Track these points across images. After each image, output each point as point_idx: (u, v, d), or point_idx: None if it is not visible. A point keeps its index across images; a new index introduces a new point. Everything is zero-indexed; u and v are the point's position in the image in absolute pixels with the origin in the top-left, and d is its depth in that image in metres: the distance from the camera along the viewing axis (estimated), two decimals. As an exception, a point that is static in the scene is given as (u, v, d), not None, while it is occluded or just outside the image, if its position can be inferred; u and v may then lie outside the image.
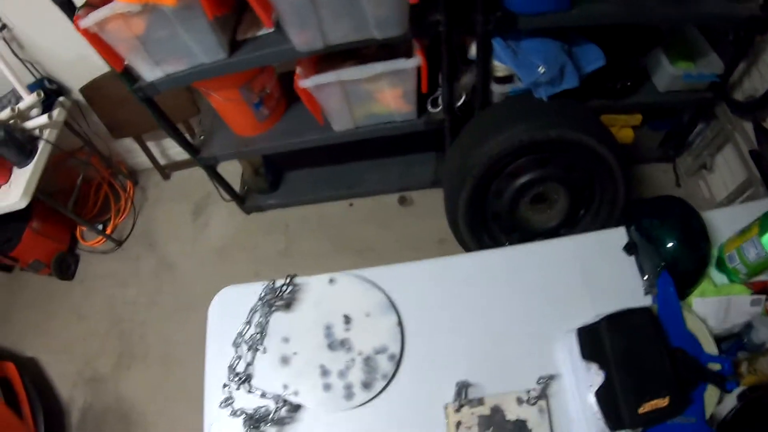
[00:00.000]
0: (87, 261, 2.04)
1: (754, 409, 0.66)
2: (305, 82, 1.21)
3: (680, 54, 1.40)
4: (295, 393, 0.80)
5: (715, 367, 0.66)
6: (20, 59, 1.65)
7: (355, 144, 1.55)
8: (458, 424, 0.73)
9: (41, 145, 1.66)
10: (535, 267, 0.84)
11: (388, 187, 1.83)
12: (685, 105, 1.56)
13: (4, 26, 1.58)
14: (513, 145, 1.23)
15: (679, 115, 1.68)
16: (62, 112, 1.73)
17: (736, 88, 1.45)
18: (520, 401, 0.74)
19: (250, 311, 0.89)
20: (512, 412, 0.73)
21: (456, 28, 1.17)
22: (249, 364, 0.85)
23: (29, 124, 1.66)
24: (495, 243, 1.45)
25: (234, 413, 0.80)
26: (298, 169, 1.94)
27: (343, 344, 0.84)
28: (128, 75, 1.28)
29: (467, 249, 1.44)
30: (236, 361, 0.85)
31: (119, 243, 2.03)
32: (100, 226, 2.02)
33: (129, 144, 2.07)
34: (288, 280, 0.88)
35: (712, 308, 0.73)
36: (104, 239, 2.01)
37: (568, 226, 1.46)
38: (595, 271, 0.82)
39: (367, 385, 0.79)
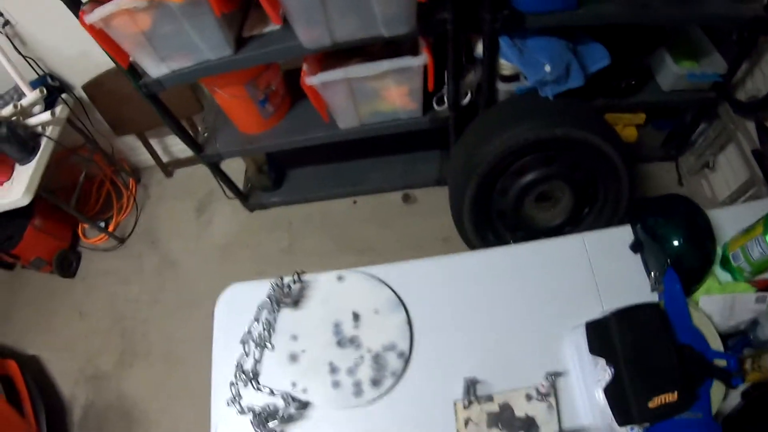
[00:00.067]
0: (89, 258, 2.03)
1: (758, 405, 0.67)
2: (312, 79, 1.21)
3: (684, 53, 1.41)
4: (304, 390, 0.80)
5: (721, 363, 0.67)
6: (23, 55, 1.64)
7: (359, 142, 1.55)
8: (467, 420, 0.74)
9: (44, 142, 1.65)
10: (542, 264, 0.84)
11: (392, 184, 1.83)
12: (688, 104, 1.56)
13: (7, 22, 1.57)
14: (519, 144, 1.24)
15: (682, 115, 1.69)
16: (65, 109, 1.72)
17: (739, 88, 1.46)
18: (529, 397, 0.74)
19: (258, 308, 0.89)
20: (521, 409, 0.74)
21: (463, 26, 1.17)
22: (257, 362, 0.85)
23: (32, 120, 1.65)
24: (499, 241, 1.45)
25: (242, 411, 0.80)
26: (301, 166, 1.94)
27: (352, 341, 0.84)
28: (133, 71, 1.28)
29: (472, 247, 1.44)
30: (244, 359, 0.85)
31: (121, 240, 2.02)
32: (103, 224, 2.01)
33: (131, 141, 2.06)
34: (296, 278, 0.88)
35: (717, 305, 0.74)
36: (106, 237, 2.00)
37: (572, 225, 1.46)
38: (601, 268, 0.82)
39: (376, 382, 0.79)
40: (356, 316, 0.86)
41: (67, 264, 1.97)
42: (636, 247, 0.83)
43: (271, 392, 0.81)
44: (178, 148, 2.11)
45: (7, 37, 1.59)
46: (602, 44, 1.29)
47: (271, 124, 1.55)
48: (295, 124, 1.55)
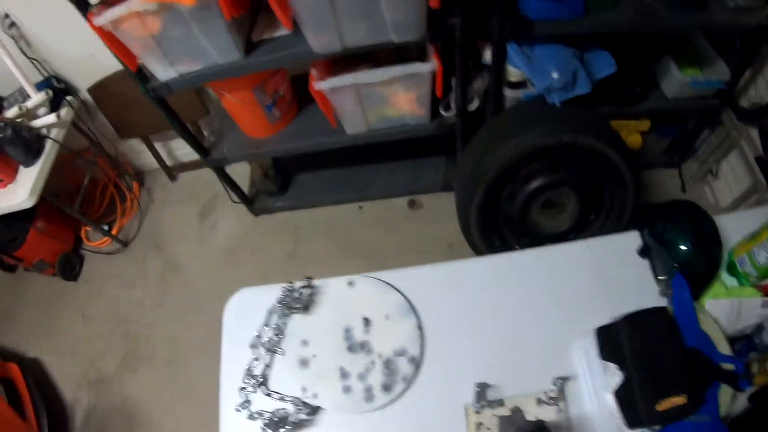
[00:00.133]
0: (92, 262, 2.02)
1: (765, 408, 0.67)
2: (320, 85, 1.21)
3: (688, 61, 1.42)
4: (315, 395, 0.80)
5: (728, 367, 0.68)
6: (28, 57, 1.64)
7: (365, 147, 1.55)
8: (479, 425, 0.74)
9: (48, 144, 1.65)
10: (551, 270, 0.85)
11: (398, 190, 1.83)
12: (692, 111, 1.58)
13: (13, 24, 1.57)
14: (526, 150, 1.24)
15: (686, 122, 1.70)
16: (70, 111, 1.71)
17: (742, 96, 1.48)
18: (539, 402, 0.74)
19: (268, 313, 0.89)
20: (531, 413, 0.74)
21: (471, 33, 1.18)
22: (267, 367, 0.85)
23: (36, 123, 1.64)
24: (506, 247, 1.45)
25: (251, 416, 0.80)
26: (307, 171, 1.94)
27: (363, 347, 0.84)
28: (141, 75, 1.28)
29: (478, 253, 1.45)
30: (253, 364, 0.85)
31: (125, 244, 2.01)
32: (106, 227, 2.00)
33: (136, 145, 2.06)
34: (306, 283, 0.88)
35: (723, 310, 0.75)
36: (110, 240, 1.99)
37: (577, 231, 1.47)
38: (608, 273, 0.83)
39: (387, 388, 0.79)
40: (367, 322, 0.86)
41: (69, 267, 1.96)
42: (644, 252, 0.83)
43: (281, 397, 0.81)
44: (183, 152, 2.11)
45: (13, 38, 1.59)
46: (608, 52, 1.31)
47: (277, 128, 1.55)
48: (301, 129, 1.56)
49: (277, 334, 0.87)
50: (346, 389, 0.80)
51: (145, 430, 1.59)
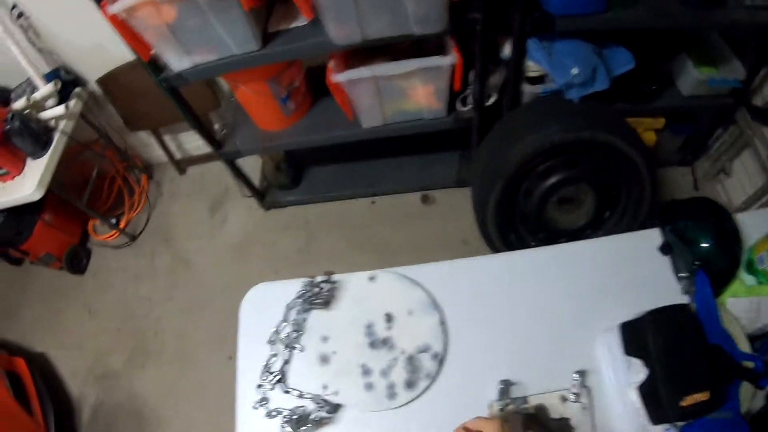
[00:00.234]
0: (99, 255, 2.00)
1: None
2: (338, 77, 1.20)
3: (704, 60, 1.42)
4: (335, 393, 0.79)
5: (749, 364, 0.68)
6: (37, 48, 1.62)
7: (378, 141, 1.53)
8: (503, 422, 0.73)
9: (56, 136, 1.63)
10: (573, 267, 0.85)
11: (411, 185, 1.82)
12: (706, 110, 1.57)
13: (21, 14, 1.55)
14: (545, 146, 1.24)
15: (699, 120, 1.69)
16: (78, 103, 1.70)
17: (757, 94, 1.47)
18: (563, 399, 0.74)
19: (286, 308, 0.87)
20: (556, 411, 0.73)
21: (492, 27, 1.17)
22: (285, 363, 0.83)
23: (45, 114, 1.62)
24: (521, 243, 1.45)
25: (269, 414, 0.78)
26: (319, 165, 1.92)
27: (385, 343, 0.82)
28: (154, 65, 1.26)
29: (494, 249, 1.43)
30: (272, 360, 0.83)
31: (133, 238, 1.99)
32: (114, 220, 1.98)
33: (145, 137, 2.04)
34: (326, 278, 0.86)
35: (743, 308, 0.75)
36: (117, 234, 1.97)
37: (593, 228, 1.46)
38: (629, 270, 0.83)
39: (410, 385, 0.78)
40: (389, 317, 0.84)
41: (77, 260, 1.94)
42: (665, 249, 0.83)
43: (301, 395, 0.79)
44: (193, 145, 2.09)
45: (22, 28, 1.57)
46: (626, 48, 1.30)
47: (291, 121, 1.54)
48: (316, 122, 1.54)
49: (296, 330, 0.85)
50: (368, 386, 0.79)
51: (153, 427, 1.57)
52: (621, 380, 0.71)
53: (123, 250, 1.98)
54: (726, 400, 0.64)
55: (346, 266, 0.88)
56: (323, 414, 0.77)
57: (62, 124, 1.64)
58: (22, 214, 1.75)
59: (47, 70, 1.68)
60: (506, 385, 0.75)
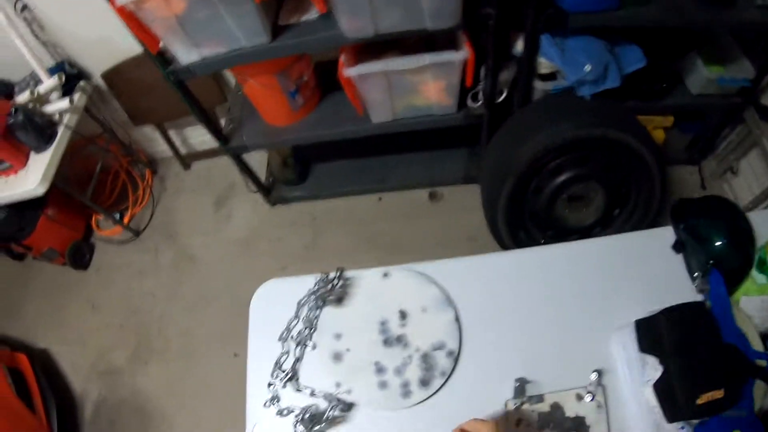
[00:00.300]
0: (103, 251, 1.98)
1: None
2: (350, 71, 1.18)
3: (713, 58, 1.41)
4: (349, 391, 0.78)
5: (762, 363, 0.68)
6: (41, 41, 1.60)
7: (386, 137, 1.52)
8: (518, 421, 0.73)
9: (60, 130, 1.61)
10: (585, 264, 0.84)
11: (418, 181, 1.81)
12: (715, 109, 1.57)
13: (25, 6, 1.53)
14: (557, 143, 1.23)
15: (707, 119, 1.69)
16: (83, 97, 1.68)
17: (765, 94, 1.46)
18: (579, 397, 0.73)
19: (298, 305, 0.86)
20: (571, 409, 0.73)
21: (505, 23, 1.16)
22: (297, 361, 0.82)
23: (49, 108, 1.60)
24: (530, 240, 1.44)
25: (280, 412, 0.77)
26: (326, 161, 1.91)
27: (399, 340, 0.81)
28: (162, 57, 1.24)
29: (503, 246, 1.43)
30: (283, 358, 0.82)
31: (137, 233, 1.98)
32: (118, 216, 1.96)
33: (149, 132, 2.02)
34: (339, 274, 0.85)
35: (755, 306, 0.75)
36: (121, 229, 1.95)
37: (602, 226, 1.46)
38: (641, 269, 0.83)
39: (425, 383, 0.77)
40: (403, 314, 0.83)
41: (80, 255, 1.93)
42: (678, 247, 0.83)
43: (313, 393, 0.78)
44: (198, 140, 2.08)
45: (26, 21, 1.54)
46: (638, 46, 1.29)
47: (300, 116, 1.52)
48: (324, 117, 1.52)
49: (307, 327, 0.84)
50: (383, 384, 0.78)
51: (157, 423, 1.56)
52: (636, 378, 0.71)
53: (127, 245, 1.97)
54: (740, 398, 0.64)
55: (353, 263, 0.87)
56: (336, 413, 0.75)
57: (66, 118, 1.62)
58: (25, 208, 1.73)
59: (51, 63, 1.66)
60: (522, 384, 0.74)
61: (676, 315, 0.68)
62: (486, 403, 0.73)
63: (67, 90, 1.65)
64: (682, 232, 0.83)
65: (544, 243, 1.45)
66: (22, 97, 1.56)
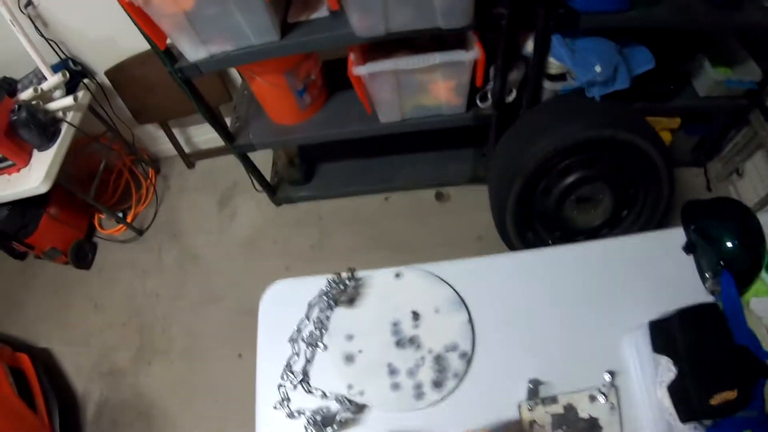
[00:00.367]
0: (105, 250, 1.97)
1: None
2: (359, 70, 1.17)
3: (721, 60, 1.42)
4: (361, 393, 0.77)
5: None
6: (44, 38, 1.59)
7: (393, 137, 1.51)
8: (532, 423, 0.72)
9: (64, 128, 1.60)
10: (598, 265, 0.84)
11: (425, 181, 1.80)
12: (722, 110, 1.58)
13: (29, 3, 1.51)
14: (566, 144, 1.23)
15: (713, 121, 1.69)
16: (86, 94, 1.67)
17: (771, 96, 1.47)
18: (592, 399, 0.73)
19: (309, 306, 0.85)
20: (585, 410, 0.72)
21: (516, 23, 1.15)
22: (308, 362, 0.81)
23: (52, 105, 1.59)
24: (539, 241, 1.44)
25: (291, 415, 0.76)
26: (332, 160, 1.90)
27: (412, 341, 0.80)
28: (169, 54, 1.23)
29: (511, 247, 1.42)
30: (294, 359, 0.81)
31: (140, 232, 1.96)
32: (121, 214, 1.95)
33: (153, 130, 2.01)
34: (350, 274, 0.84)
35: (765, 308, 0.75)
36: (124, 228, 1.94)
37: (610, 227, 1.46)
38: (652, 270, 0.82)
39: (438, 384, 0.76)
40: (416, 315, 0.82)
41: (82, 255, 1.91)
42: (689, 248, 0.83)
43: (324, 395, 0.77)
44: (202, 138, 2.06)
45: (29, 17, 1.53)
46: (647, 48, 1.29)
47: (307, 115, 1.51)
48: (331, 117, 1.51)
49: (318, 328, 0.83)
50: (395, 386, 0.77)
51: (160, 424, 1.55)
52: (648, 378, 0.71)
53: (130, 244, 1.95)
54: (752, 399, 0.64)
55: (360, 263, 0.86)
56: (348, 415, 0.74)
57: (70, 115, 1.61)
58: (28, 207, 1.71)
59: (55, 60, 1.65)
60: (535, 385, 0.73)
61: (689, 316, 0.68)
62: (499, 405, 0.73)
63: (70, 87, 1.64)
64: (692, 233, 0.83)
65: (552, 244, 1.45)
66: (26, 95, 1.54)
